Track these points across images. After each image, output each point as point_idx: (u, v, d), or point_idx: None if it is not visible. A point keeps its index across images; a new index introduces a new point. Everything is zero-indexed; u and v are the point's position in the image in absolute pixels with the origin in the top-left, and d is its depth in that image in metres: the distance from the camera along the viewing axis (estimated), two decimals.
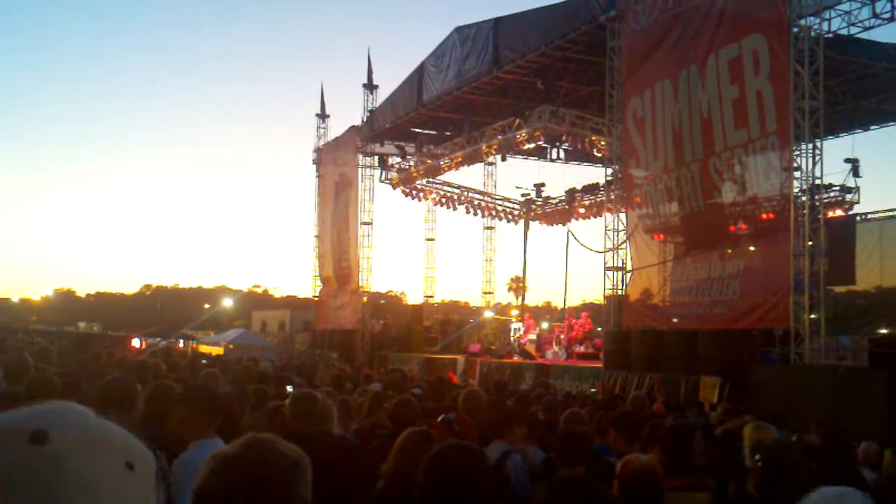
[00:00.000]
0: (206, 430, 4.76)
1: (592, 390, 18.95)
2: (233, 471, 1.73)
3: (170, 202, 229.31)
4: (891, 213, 28.15)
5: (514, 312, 40.09)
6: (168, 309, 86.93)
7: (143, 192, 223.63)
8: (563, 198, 36.06)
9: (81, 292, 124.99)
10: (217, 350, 36.64)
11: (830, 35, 17.92)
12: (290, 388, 9.24)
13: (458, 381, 19.81)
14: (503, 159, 30.66)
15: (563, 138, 26.30)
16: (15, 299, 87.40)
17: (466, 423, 5.94)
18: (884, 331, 24.83)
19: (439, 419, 6.14)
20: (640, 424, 6.72)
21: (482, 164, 35.18)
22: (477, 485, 2.47)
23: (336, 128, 40.49)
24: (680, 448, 5.30)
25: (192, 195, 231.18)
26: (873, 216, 28.14)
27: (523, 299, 45.24)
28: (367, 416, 7.22)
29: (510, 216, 39.53)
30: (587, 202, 34.22)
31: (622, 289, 22.45)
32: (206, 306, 79.92)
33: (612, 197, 23.33)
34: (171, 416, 4.76)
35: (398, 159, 35.07)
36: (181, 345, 40.88)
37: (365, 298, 36.70)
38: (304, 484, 1.78)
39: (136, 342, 39.08)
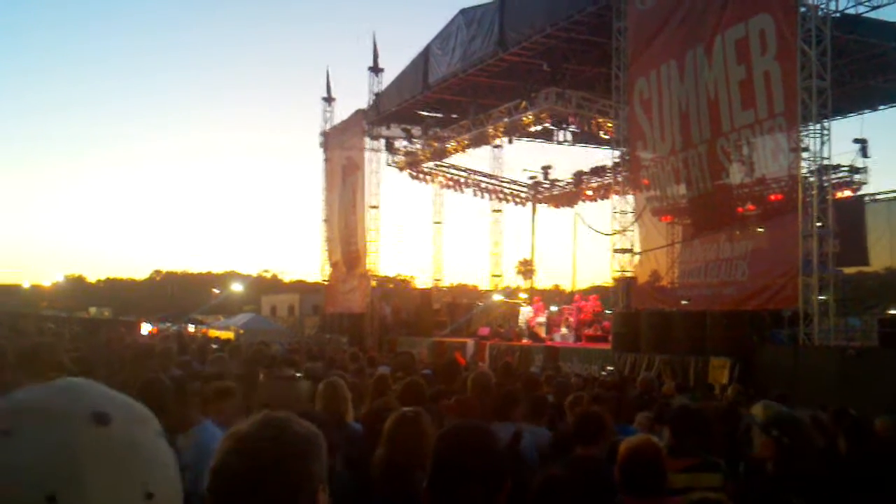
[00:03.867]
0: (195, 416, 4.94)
1: (603, 374, 18.95)
2: (251, 449, 1.75)
3: (179, 188, 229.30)
4: None
5: (523, 295, 40.05)
6: (178, 294, 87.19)
7: (153, 178, 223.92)
8: (571, 180, 36.01)
9: (92, 278, 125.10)
10: (227, 334, 36.83)
11: (838, 14, 17.80)
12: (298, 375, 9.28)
13: (467, 363, 19.86)
14: (510, 142, 30.55)
15: (570, 120, 26.24)
16: (26, 285, 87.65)
17: (471, 405, 5.98)
18: (894, 311, 24.75)
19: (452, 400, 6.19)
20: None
21: (489, 146, 35.08)
22: (489, 462, 2.48)
23: (342, 111, 40.42)
24: (689, 429, 5.30)
25: (201, 181, 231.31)
26: (882, 197, 27.97)
27: (532, 282, 45.23)
28: (374, 399, 7.25)
29: (517, 199, 39.45)
30: (594, 184, 34.16)
31: (630, 271, 22.44)
32: (216, 291, 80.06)
33: (620, 179, 23.29)
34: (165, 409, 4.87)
35: (405, 143, 35.03)
36: (192, 329, 41.02)
37: (374, 282, 36.72)
38: (318, 462, 1.81)
39: (146, 327, 39.29)
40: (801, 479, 4.31)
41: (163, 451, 1.14)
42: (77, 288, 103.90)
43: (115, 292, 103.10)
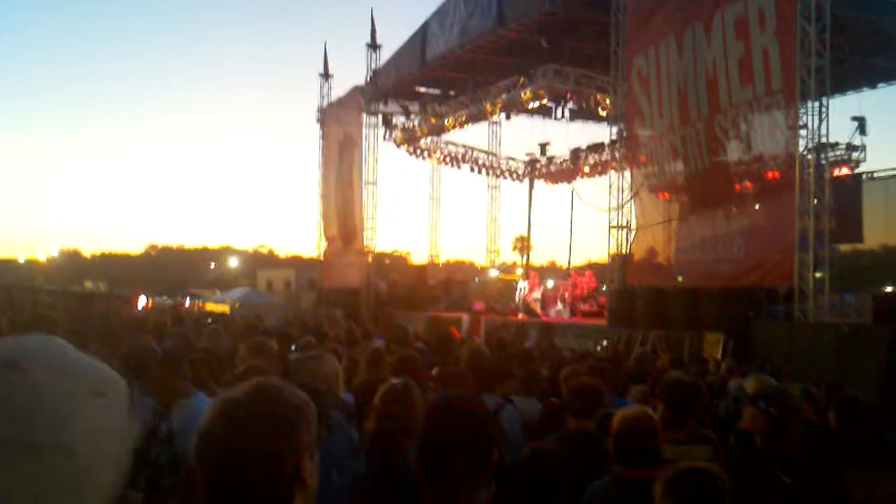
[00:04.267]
0: (186, 385, 4.96)
1: (599, 349, 18.99)
2: (238, 414, 1.77)
3: (175, 162, 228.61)
4: None
5: (519, 271, 40.09)
6: (174, 269, 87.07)
7: (149, 153, 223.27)
8: (568, 157, 35.90)
9: (87, 252, 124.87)
10: (223, 308, 36.84)
11: None
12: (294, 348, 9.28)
13: (462, 338, 19.87)
14: (507, 118, 30.46)
15: (568, 97, 26.14)
16: (21, 259, 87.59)
17: (462, 377, 6.01)
18: (888, 289, 24.82)
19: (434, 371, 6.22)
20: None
21: (486, 123, 34.99)
22: (478, 432, 2.49)
23: (340, 88, 40.39)
24: (682, 403, 5.31)
25: (198, 155, 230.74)
26: (879, 174, 27.95)
27: (528, 258, 45.24)
28: (367, 372, 7.27)
29: (515, 175, 39.38)
30: (592, 161, 34.04)
31: (627, 247, 22.45)
32: (212, 266, 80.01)
33: (617, 156, 23.26)
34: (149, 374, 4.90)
35: (402, 119, 34.91)
36: (187, 304, 41.03)
37: (370, 258, 36.72)
38: (307, 431, 1.82)
39: (142, 301, 39.29)
40: (787, 453, 4.35)
41: (99, 411, 1.18)
42: (72, 262, 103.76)
43: (111, 267, 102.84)
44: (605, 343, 19.36)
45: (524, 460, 4.62)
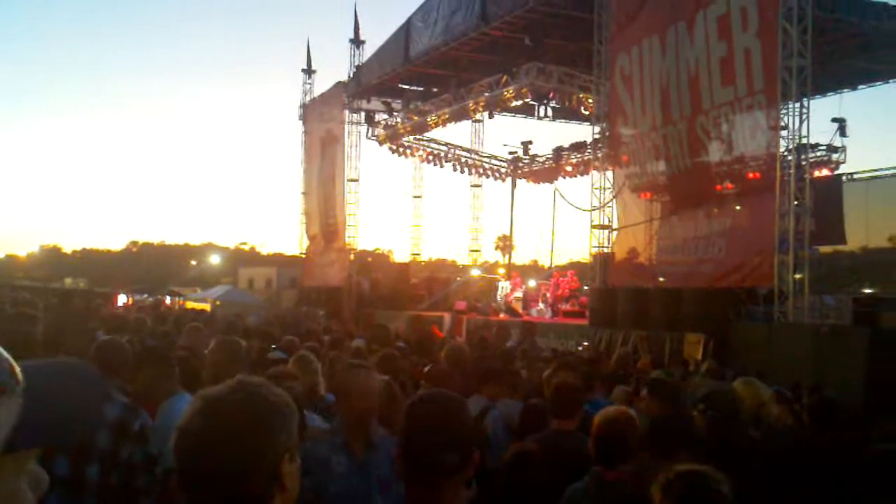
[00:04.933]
0: (174, 385, 4.88)
1: (580, 348, 19.02)
2: (217, 412, 1.76)
3: (156, 158, 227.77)
4: (877, 174, 28.15)
5: (501, 271, 40.16)
6: (154, 266, 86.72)
7: (130, 149, 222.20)
8: (551, 156, 35.98)
9: (68, 248, 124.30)
10: (204, 306, 36.66)
11: None
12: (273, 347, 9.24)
13: (444, 337, 19.86)
14: (490, 116, 30.42)
15: (551, 95, 26.15)
16: (1, 255, 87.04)
17: (446, 375, 6.00)
18: (868, 290, 24.99)
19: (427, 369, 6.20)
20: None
21: (469, 121, 34.99)
22: (458, 431, 2.49)
23: (322, 84, 40.19)
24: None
25: (180, 152, 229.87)
26: (859, 176, 28.15)
27: (510, 258, 45.34)
28: None
29: (497, 174, 39.42)
30: (574, 160, 34.14)
31: (608, 247, 22.48)
32: (193, 263, 79.70)
33: (599, 155, 23.26)
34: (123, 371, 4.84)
35: (385, 116, 34.83)
36: (168, 301, 40.83)
37: (352, 256, 36.64)
38: (285, 432, 1.80)
39: (122, 299, 39.05)
40: (729, 452, 4.40)
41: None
42: (53, 258, 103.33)
43: (91, 263, 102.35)
44: (585, 344, 19.41)
45: (508, 462, 4.64)
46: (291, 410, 1.84)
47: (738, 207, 18.73)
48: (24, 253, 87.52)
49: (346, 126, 36.25)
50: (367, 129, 35.85)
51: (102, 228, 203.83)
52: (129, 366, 4.92)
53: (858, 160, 58.57)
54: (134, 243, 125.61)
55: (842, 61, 23.47)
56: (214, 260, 75.99)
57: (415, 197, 41.12)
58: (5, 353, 1.24)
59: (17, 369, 1.24)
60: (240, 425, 1.74)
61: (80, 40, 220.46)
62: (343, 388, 4.09)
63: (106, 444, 3.88)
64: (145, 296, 42.92)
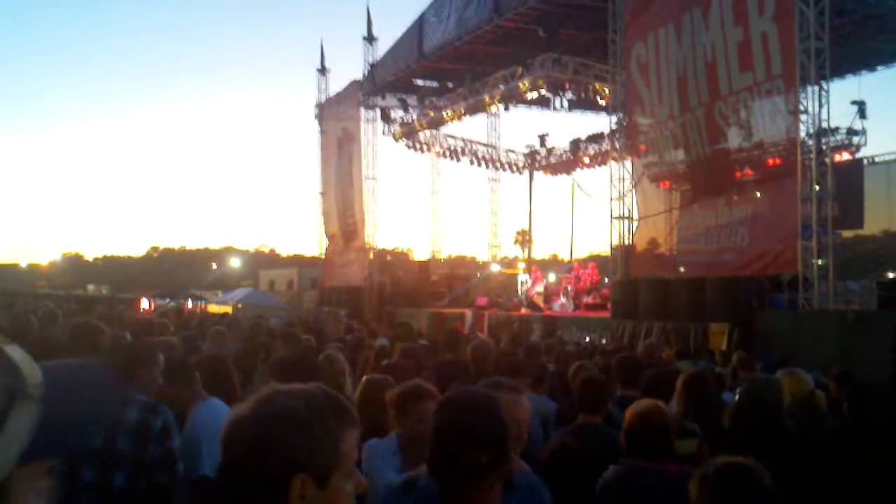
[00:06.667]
0: (198, 392, 4.86)
1: (603, 342, 18.92)
2: (237, 419, 1.74)
3: (176, 164, 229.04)
4: None
5: (521, 265, 40.06)
6: (176, 270, 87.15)
7: (150, 156, 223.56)
8: (568, 148, 35.86)
9: (89, 256, 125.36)
10: (226, 309, 36.78)
11: None
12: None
13: (467, 334, 19.81)
14: (506, 109, 30.37)
15: (567, 87, 26.02)
16: (23, 265, 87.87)
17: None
18: (892, 275, 24.71)
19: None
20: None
21: (485, 115, 34.92)
22: (489, 429, 2.44)
23: (337, 83, 40.22)
24: (661, 395, 5.26)
25: (198, 157, 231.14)
26: (880, 159, 27.84)
27: (530, 252, 45.23)
28: (373, 370, 7.23)
29: (514, 167, 39.35)
30: (592, 151, 33.99)
31: (629, 238, 22.36)
32: (214, 267, 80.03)
33: (617, 145, 23.15)
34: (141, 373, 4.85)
35: (400, 112, 34.82)
36: (190, 305, 40.99)
37: (371, 255, 36.65)
38: (304, 447, 1.70)
39: (144, 303, 39.22)
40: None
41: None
42: (75, 266, 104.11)
43: (113, 269, 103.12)
44: (607, 337, 19.31)
45: (548, 456, 4.62)
46: (316, 424, 1.73)
47: (758, 194, 18.57)
48: (45, 261, 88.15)
49: (361, 124, 36.23)
50: (383, 127, 35.82)
51: (123, 235, 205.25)
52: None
53: (879, 143, 57.89)
54: (154, 249, 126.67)
55: (860, 42, 23.19)
56: (235, 263, 76.33)
57: (432, 193, 41.10)
58: (25, 360, 1.21)
59: (38, 377, 1.20)
60: (252, 434, 1.71)
61: (97, 48, 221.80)
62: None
63: (129, 447, 3.86)
64: (167, 300, 43.11)
